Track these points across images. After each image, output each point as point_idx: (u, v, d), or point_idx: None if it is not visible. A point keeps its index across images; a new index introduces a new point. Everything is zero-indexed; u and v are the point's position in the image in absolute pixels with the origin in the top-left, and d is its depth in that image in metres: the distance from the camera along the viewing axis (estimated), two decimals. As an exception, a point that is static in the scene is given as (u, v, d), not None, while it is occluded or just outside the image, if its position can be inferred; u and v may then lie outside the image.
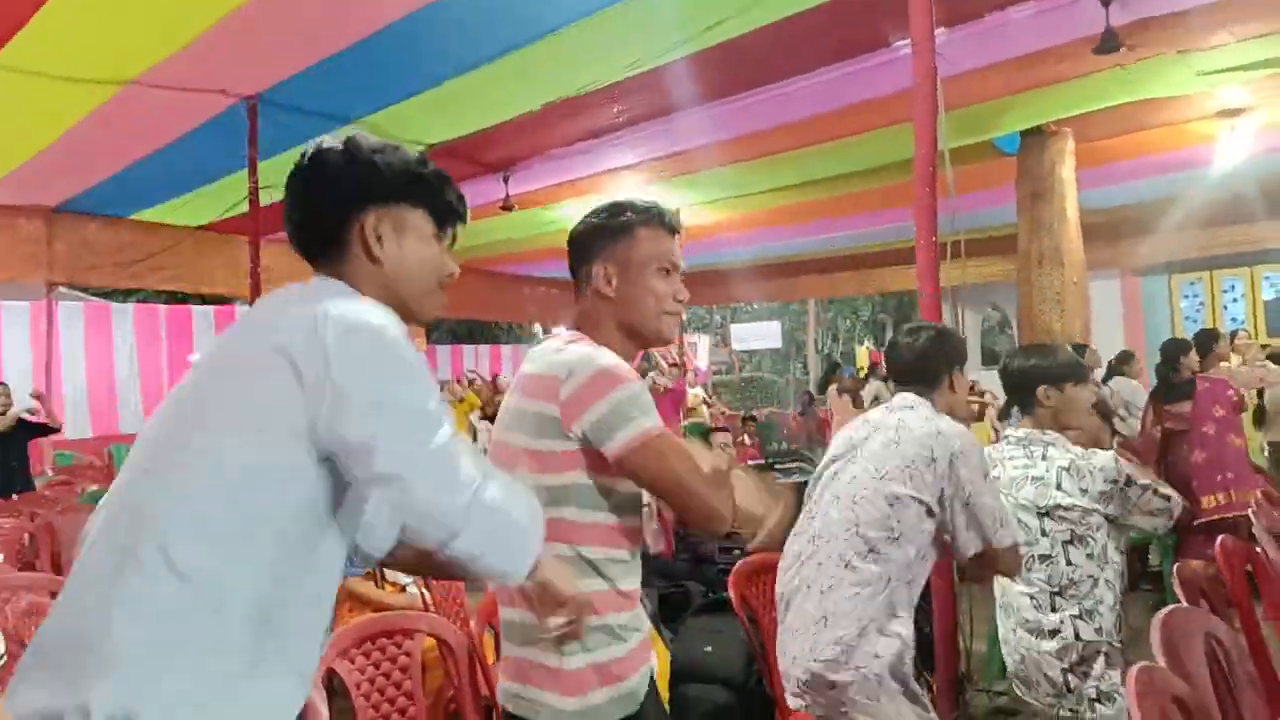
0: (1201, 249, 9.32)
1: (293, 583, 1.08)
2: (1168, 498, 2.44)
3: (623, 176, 6.96)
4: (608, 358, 1.50)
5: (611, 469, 1.47)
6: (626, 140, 6.15)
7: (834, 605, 2.02)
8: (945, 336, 2.31)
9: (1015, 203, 6.47)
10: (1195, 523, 4.41)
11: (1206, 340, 5.29)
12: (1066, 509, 2.40)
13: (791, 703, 2.11)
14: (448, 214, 1.29)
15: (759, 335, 18.79)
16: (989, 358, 11.59)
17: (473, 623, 2.42)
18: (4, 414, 6.27)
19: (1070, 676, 2.39)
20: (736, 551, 3.56)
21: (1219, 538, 2.39)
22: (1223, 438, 4.66)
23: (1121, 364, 6.52)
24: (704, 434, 4.98)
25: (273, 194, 5.78)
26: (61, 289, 9.05)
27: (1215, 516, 4.44)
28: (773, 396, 20.84)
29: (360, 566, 1.32)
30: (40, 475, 7.76)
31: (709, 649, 3.03)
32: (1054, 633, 2.40)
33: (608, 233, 1.62)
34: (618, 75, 4.92)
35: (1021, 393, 2.60)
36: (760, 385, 21.88)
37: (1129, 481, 2.40)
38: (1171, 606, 1.67)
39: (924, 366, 2.24)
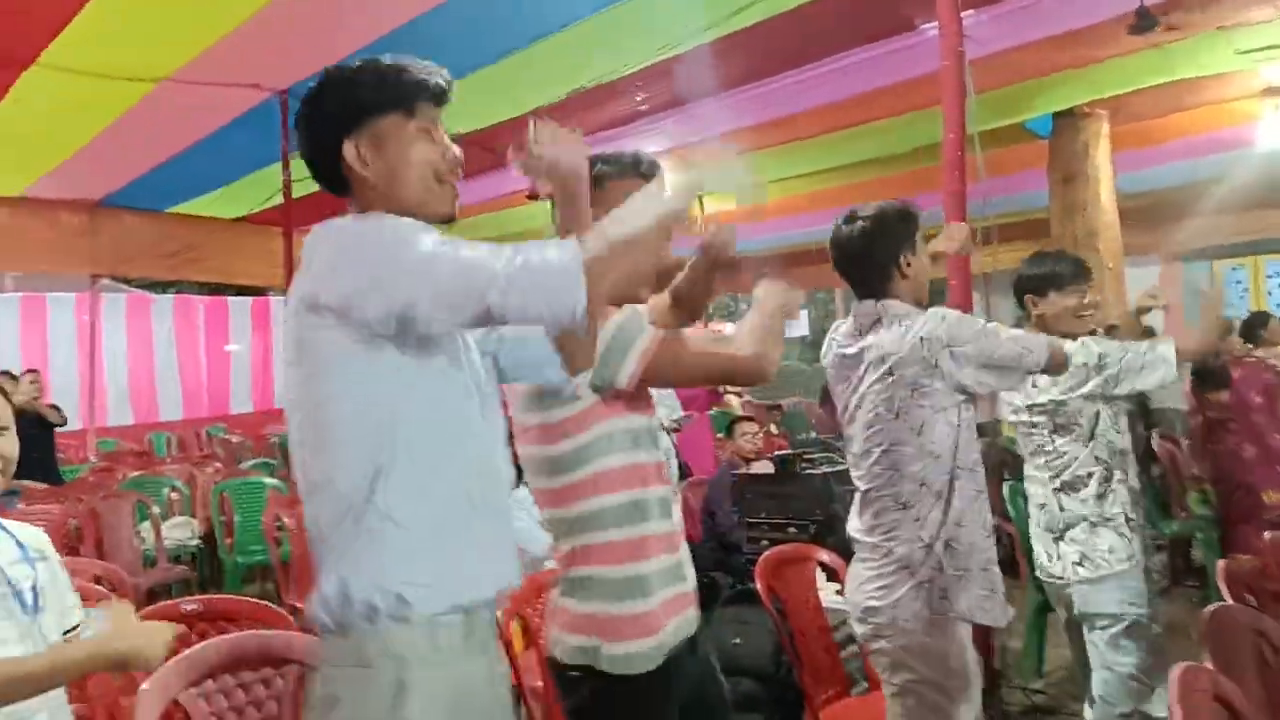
0: (1244, 233, 9.08)
1: (407, 464, 1.19)
2: (1150, 348, 2.42)
3: (649, 165, 6.94)
4: None
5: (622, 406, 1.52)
6: (650, 128, 6.12)
7: (886, 538, 2.08)
8: (886, 214, 2.16)
9: (1047, 187, 6.36)
10: (1265, 517, 4.28)
11: (1253, 324, 5.09)
12: (1043, 404, 2.50)
13: (857, 629, 2.19)
14: (415, 95, 1.26)
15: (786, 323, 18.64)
16: (1023, 344, 11.41)
17: (500, 611, 2.45)
18: (35, 399, 6.40)
19: (1059, 544, 2.51)
20: (764, 542, 3.56)
21: (1266, 532, 2.35)
22: (1271, 427, 4.52)
23: None
24: (730, 423, 4.97)
25: (305, 186, 5.88)
26: (104, 281, 9.25)
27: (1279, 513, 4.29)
28: (800, 385, 20.74)
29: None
30: (84, 462, 7.96)
31: (737, 640, 3.03)
32: (1042, 506, 2.56)
33: None
34: (640, 63, 4.91)
35: (1018, 302, 2.66)
36: (788, 374, 21.77)
37: (1101, 361, 2.42)
38: (1217, 604, 1.64)
39: (871, 253, 2.13)
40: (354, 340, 1.15)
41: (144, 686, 1.75)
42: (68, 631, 1.62)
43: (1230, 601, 1.89)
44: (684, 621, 1.58)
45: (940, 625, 2.03)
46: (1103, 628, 2.45)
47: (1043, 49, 4.92)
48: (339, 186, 1.30)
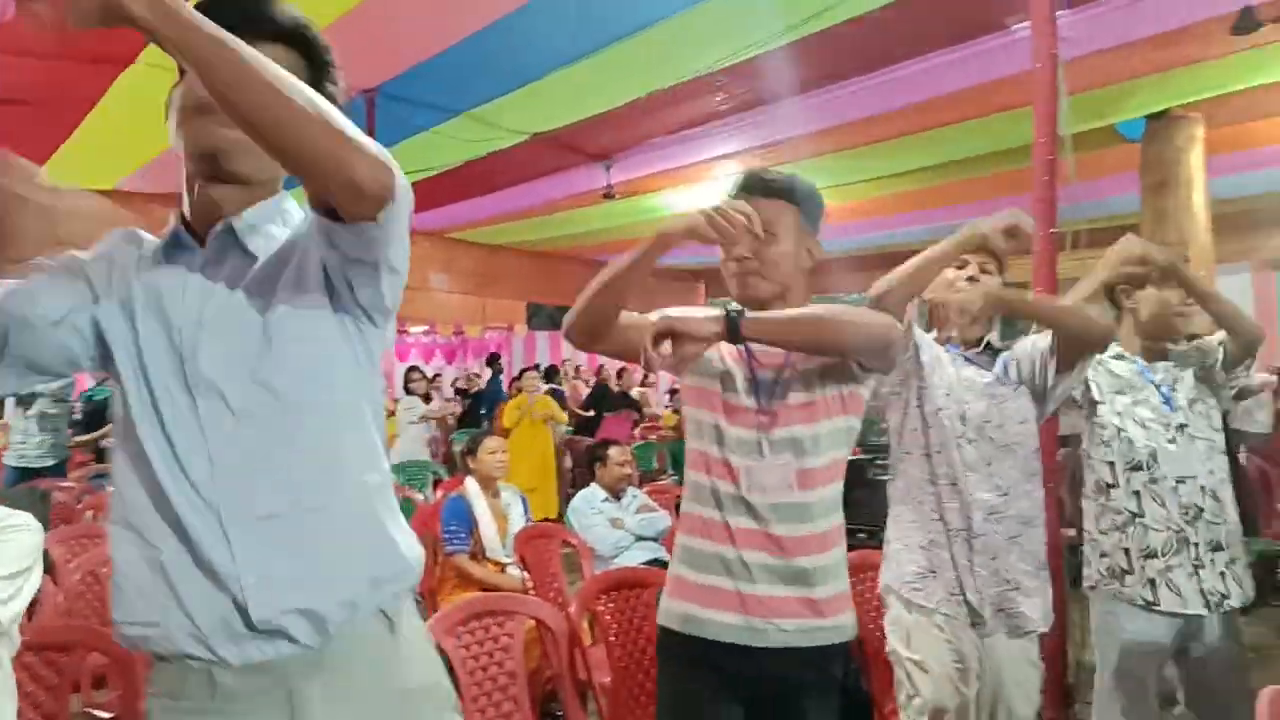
0: (1344, 242, 8.63)
1: None
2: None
3: (726, 165, 6.92)
4: None
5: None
6: (730, 128, 6.10)
7: None
8: None
9: (1139, 192, 6.15)
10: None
11: None
12: None
13: None
14: None
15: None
16: (1104, 354, 11.02)
17: (572, 607, 2.47)
18: None
19: None
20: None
21: None
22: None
23: None
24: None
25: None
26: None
27: None
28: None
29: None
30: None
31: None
32: None
33: None
34: (722, 63, 4.89)
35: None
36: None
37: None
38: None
39: None
40: None
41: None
42: None
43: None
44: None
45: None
46: None
47: (1138, 50, 4.76)
48: None
